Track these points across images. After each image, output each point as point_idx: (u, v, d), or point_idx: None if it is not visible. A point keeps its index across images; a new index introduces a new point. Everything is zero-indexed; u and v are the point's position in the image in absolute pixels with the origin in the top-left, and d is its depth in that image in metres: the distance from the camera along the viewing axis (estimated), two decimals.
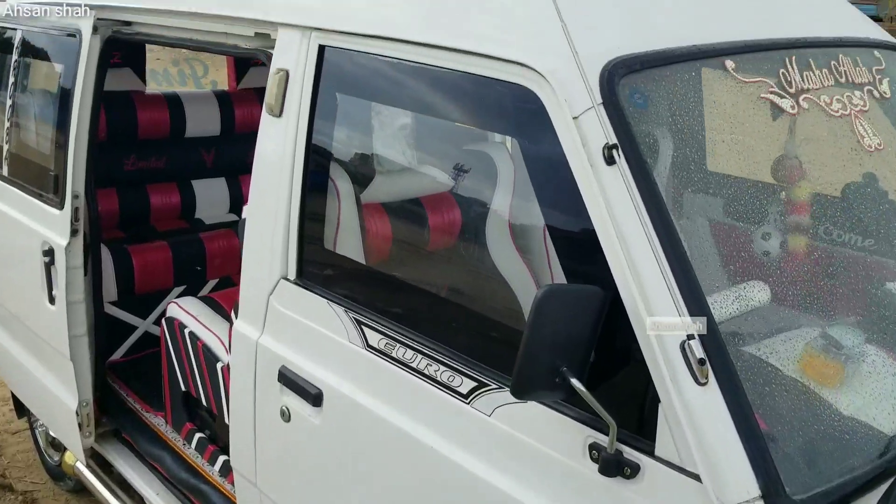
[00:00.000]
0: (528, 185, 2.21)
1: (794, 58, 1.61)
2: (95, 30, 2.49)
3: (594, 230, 1.26)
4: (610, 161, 1.24)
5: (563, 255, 1.45)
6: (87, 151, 2.53)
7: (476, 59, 1.45)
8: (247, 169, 3.82)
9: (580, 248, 1.35)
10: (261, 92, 3.67)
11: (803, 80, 1.59)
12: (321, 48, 1.78)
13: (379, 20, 1.65)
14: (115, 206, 3.31)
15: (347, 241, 1.92)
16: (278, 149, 1.85)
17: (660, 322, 1.18)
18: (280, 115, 1.84)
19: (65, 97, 2.58)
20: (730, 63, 1.50)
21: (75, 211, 2.54)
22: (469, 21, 1.50)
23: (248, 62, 3.60)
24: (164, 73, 6.90)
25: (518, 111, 1.48)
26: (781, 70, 1.57)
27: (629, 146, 1.26)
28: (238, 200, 3.67)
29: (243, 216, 2.07)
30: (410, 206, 2.16)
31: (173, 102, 3.44)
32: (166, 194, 3.47)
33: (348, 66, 1.77)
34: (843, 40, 1.77)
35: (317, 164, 1.84)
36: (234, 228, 3.47)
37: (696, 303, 1.19)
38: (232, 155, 3.62)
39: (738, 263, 1.55)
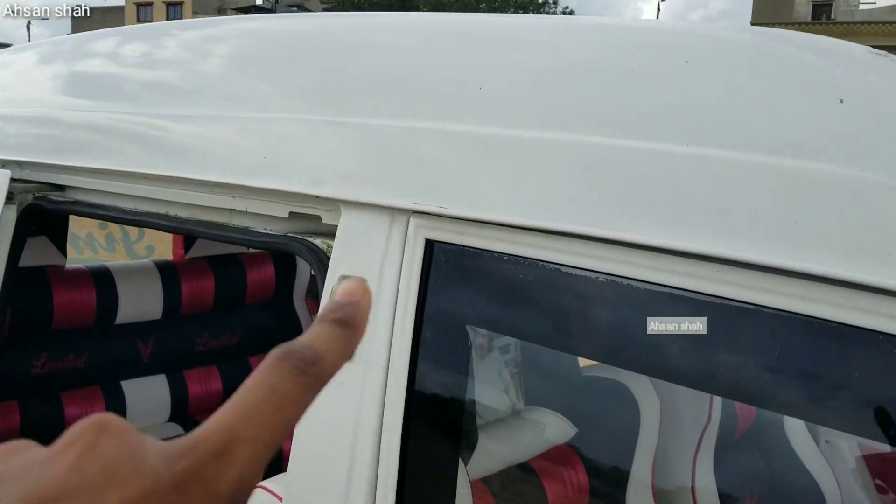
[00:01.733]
0: (675, 430, 1.54)
1: None
2: (10, 197, 1.70)
3: None
4: None
5: None
6: None
7: (808, 289, 0.77)
8: (194, 361, 3.04)
9: None
10: (216, 261, 2.92)
11: None
12: (429, 244, 1.08)
13: (581, 209, 0.95)
14: (14, 423, 2.39)
15: None
16: (352, 409, 1.09)
17: None
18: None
19: None
20: None
21: None
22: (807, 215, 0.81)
23: None
24: (87, 238, 5.61)
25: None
26: None
27: None
28: (181, 403, 2.80)
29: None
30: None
31: (101, 279, 2.61)
32: (86, 403, 2.58)
33: (491, 278, 1.06)
34: None
35: (422, 435, 1.09)
36: None
37: None
38: (176, 344, 2.79)
39: None
